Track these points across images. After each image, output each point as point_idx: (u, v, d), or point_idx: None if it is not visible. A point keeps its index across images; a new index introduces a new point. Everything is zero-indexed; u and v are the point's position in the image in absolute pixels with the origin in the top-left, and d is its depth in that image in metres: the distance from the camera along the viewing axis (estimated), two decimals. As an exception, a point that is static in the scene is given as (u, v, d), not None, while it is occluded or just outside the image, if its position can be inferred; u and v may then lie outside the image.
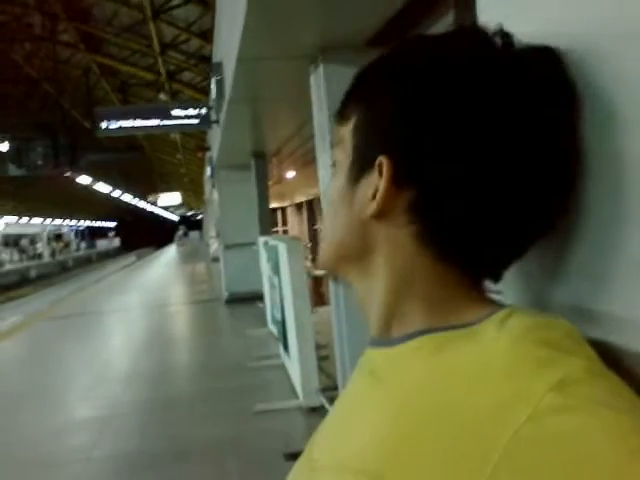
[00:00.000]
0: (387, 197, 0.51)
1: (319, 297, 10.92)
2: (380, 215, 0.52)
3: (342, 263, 0.58)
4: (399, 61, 0.54)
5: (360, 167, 0.54)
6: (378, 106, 0.53)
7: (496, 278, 0.56)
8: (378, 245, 0.54)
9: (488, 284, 0.56)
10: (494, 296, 0.55)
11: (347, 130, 0.57)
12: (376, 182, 0.52)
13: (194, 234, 60.65)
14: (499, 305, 0.52)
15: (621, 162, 0.48)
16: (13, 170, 10.94)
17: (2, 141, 11.11)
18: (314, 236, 19.57)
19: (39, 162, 11.05)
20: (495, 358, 0.44)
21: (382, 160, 0.51)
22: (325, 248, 0.60)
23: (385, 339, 0.54)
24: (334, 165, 0.60)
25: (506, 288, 0.64)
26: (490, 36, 0.52)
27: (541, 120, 0.49)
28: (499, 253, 0.53)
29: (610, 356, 0.46)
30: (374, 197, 0.52)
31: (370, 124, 0.54)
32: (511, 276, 0.60)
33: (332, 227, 0.59)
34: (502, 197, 0.49)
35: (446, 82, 0.49)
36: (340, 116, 0.58)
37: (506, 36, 0.52)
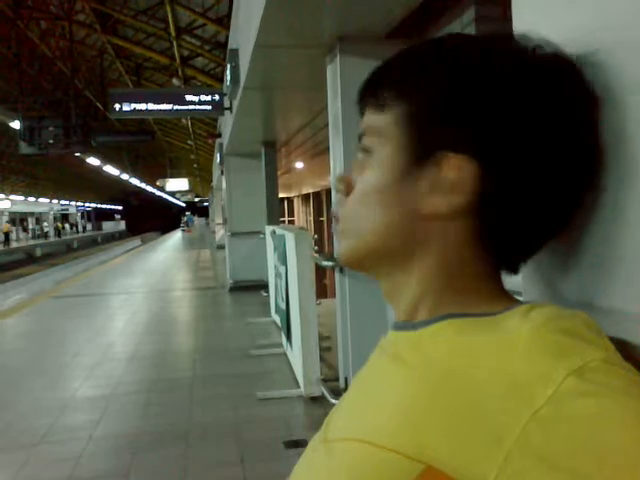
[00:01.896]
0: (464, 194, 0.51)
1: (322, 289, 10.89)
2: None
3: (373, 258, 0.57)
4: (451, 54, 0.53)
5: (414, 161, 0.53)
6: (437, 100, 0.52)
7: (515, 271, 0.58)
8: (428, 240, 0.54)
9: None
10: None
11: (385, 120, 0.55)
12: (434, 177, 0.52)
13: (200, 221, 60.80)
14: (519, 301, 0.54)
15: (637, 163, 0.49)
16: (24, 148, 10.98)
17: (14, 119, 11.13)
18: (320, 228, 19.62)
19: (50, 141, 11.07)
20: (517, 342, 0.45)
21: (454, 157, 0.51)
22: (353, 243, 0.57)
23: (409, 323, 0.56)
24: (366, 152, 0.57)
25: (523, 286, 0.65)
26: (524, 42, 0.53)
27: (565, 122, 0.51)
28: (526, 250, 0.56)
29: (624, 353, 0.46)
30: (432, 192, 0.52)
31: (425, 117, 0.52)
32: (528, 274, 0.61)
33: (365, 221, 0.56)
34: (544, 196, 0.52)
35: (505, 81, 0.50)
36: (373, 104, 0.56)
37: (538, 44, 0.53)
